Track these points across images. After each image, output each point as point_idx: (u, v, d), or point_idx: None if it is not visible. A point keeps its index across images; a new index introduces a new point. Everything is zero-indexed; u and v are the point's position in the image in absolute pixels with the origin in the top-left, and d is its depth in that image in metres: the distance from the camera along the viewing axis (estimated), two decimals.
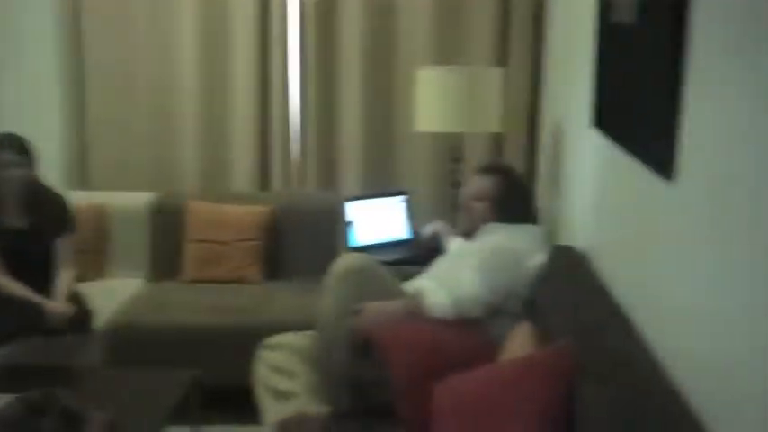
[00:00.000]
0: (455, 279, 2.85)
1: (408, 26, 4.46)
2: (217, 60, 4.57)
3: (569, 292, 2.54)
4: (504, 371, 2.16)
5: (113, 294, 3.98)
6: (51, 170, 4.24)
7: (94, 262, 4.24)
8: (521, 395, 1.98)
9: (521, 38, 4.32)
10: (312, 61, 4.50)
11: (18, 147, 3.59)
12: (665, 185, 1.92)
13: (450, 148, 4.08)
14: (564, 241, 3.22)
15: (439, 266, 3.14)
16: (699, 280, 1.70)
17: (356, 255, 3.07)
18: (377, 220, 4.03)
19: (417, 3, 4.41)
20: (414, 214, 4.17)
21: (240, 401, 3.47)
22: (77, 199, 4.03)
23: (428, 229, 3.64)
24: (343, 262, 2.95)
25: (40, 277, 3.62)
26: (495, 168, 3.27)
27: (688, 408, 1.66)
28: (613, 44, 2.50)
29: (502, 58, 4.38)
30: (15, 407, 2.51)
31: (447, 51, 4.43)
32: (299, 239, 4.23)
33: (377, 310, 2.79)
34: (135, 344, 3.63)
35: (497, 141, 4.46)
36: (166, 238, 4.27)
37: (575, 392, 1.97)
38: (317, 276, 3.99)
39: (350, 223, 3.90)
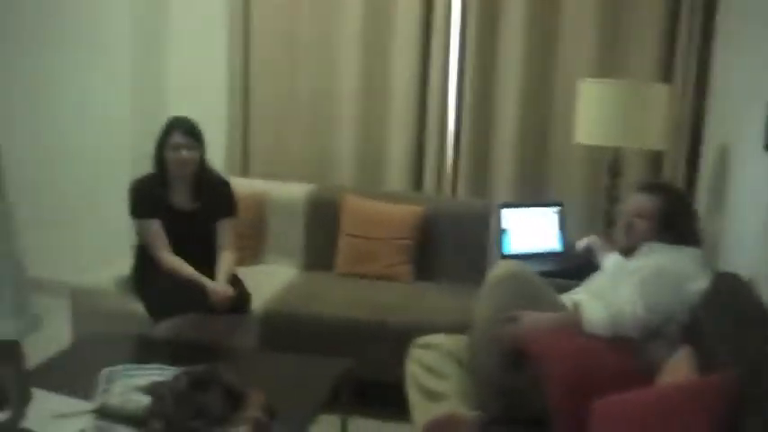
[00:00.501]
0: (614, 296, 2.83)
1: (572, 36, 4.44)
2: (377, 59, 4.67)
3: (733, 319, 2.49)
4: (667, 395, 2.14)
5: (268, 281, 4.13)
6: (216, 156, 4.43)
7: (252, 248, 4.41)
8: (684, 422, 1.97)
9: (687, 54, 4.23)
10: (471, 65, 4.54)
11: (188, 130, 3.77)
12: None
13: (608, 163, 4.04)
14: (725, 266, 3.15)
15: (596, 282, 3.13)
16: None
17: (514, 262, 3.08)
18: (530, 230, 4.04)
19: (582, 18, 4.38)
20: (567, 226, 4.15)
21: (384, 398, 3.56)
22: (239, 186, 4.18)
23: (583, 243, 3.62)
24: (501, 268, 2.97)
25: (204, 258, 3.78)
26: (660, 187, 3.22)
27: None
28: None
29: (666, 74, 4.30)
30: (183, 380, 2.64)
31: (610, 64, 4.39)
32: (449, 242, 4.28)
33: (533, 319, 2.80)
34: (288, 330, 3.76)
35: (656, 158, 4.39)
36: (322, 229, 4.41)
37: (739, 424, 1.95)
38: (466, 280, 4.09)
39: (505, 230, 3.92)
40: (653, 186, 3.19)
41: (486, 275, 3.04)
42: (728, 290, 2.72)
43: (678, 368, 2.38)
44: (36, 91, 4.94)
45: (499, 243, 3.92)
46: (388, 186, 4.71)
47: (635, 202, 3.13)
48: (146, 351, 3.32)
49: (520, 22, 4.44)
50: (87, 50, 4.84)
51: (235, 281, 3.78)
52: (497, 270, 2.96)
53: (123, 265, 3.99)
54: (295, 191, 4.51)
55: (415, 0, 4.54)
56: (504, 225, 3.93)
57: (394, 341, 3.49)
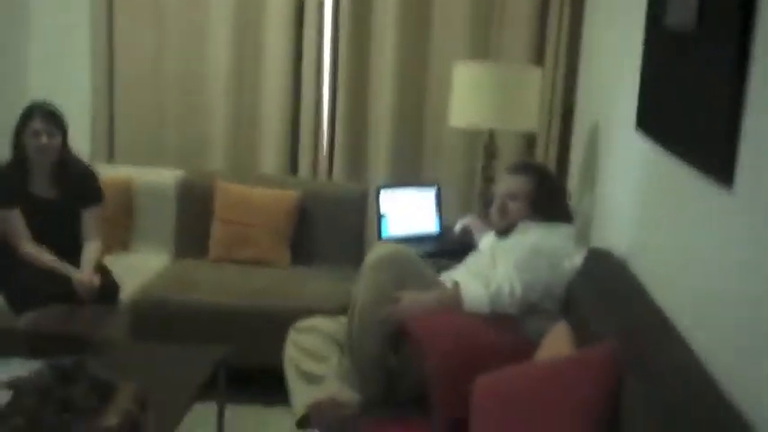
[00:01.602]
0: (492, 275, 2.84)
1: (445, 19, 4.45)
2: (249, 40, 4.57)
3: (608, 293, 2.53)
4: (548, 369, 2.15)
5: (138, 269, 3.98)
6: (79, 142, 4.23)
7: (121, 236, 4.24)
8: (566, 394, 1.97)
9: (559, 35, 4.30)
10: (346, 47, 4.49)
11: (49, 116, 3.59)
12: (721, 192, 1.90)
13: (483, 145, 4.07)
14: (597, 242, 3.21)
15: (474, 262, 3.13)
16: (753, 290, 1.69)
17: (393, 244, 3.06)
18: (407, 213, 4.02)
19: (456, 1, 4.40)
20: (444, 209, 4.16)
21: (262, 383, 3.49)
22: (105, 172, 4.01)
23: (459, 224, 3.63)
24: (380, 250, 2.94)
25: (69, 248, 3.62)
26: (530, 167, 3.25)
27: (731, 406, 1.67)
28: (665, 46, 2.48)
29: (539, 57, 4.37)
30: (46, 373, 2.50)
31: (483, 47, 4.42)
32: (326, 226, 4.23)
33: (413, 299, 2.78)
34: (160, 319, 3.64)
35: (529, 139, 4.45)
36: (193, 216, 4.28)
37: (620, 392, 1.97)
38: (344, 264, 4.05)
39: (383, 215, 3.89)
40: (522, 167, 3.23)
41: (365, 258, 3.00)
42: (601, 265, 2.77)
43: (556, 342, 2.40)
44: None
45: (378, 226, 3.89)
46: (262, 171, 4.61)
47: (506, 183, 3.16)
48: (7, 344, 3.13)
49: (393, 4, 4.42)
50: None
51: (102, 270, 3.64)
52: (376, 251, 2.93)
53: None
54: (164, 177, 4.36)
55: None
56: (382, 209, 3.90)
57: (271, 326, 3.41)
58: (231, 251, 4.14)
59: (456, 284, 2.84)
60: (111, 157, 4.69)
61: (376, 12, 4.48)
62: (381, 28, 4.48)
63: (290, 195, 4.20)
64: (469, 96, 3.84)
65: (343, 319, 2.98)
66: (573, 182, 4.09)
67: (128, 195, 4.29)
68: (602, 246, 3.04)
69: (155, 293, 3.73)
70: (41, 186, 3.64)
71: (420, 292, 2.83)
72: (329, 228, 4.24)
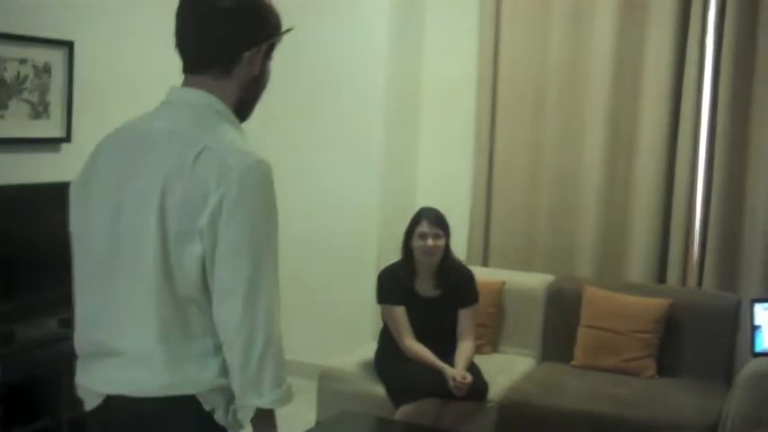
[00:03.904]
0: None
1: None
2: (623, 146, 4.65)
3: None
4: None
5: (506, 370, 4.14)
6: (458, 245, 4.53)
7: (490, 337, 4.44)
8: None
9: None
10: (721, 150, 4.39)
11: (436, 220, 3.90)
12: None
13: None
14: None
15: None
16: None
17: None
18: None
19: None
20: None
21: None
22: (480, 274, 4.24)
23: None
24: (755, 366, 2.82)
25: (445, 345, 3.85)
26: None
27: None
28: None
29: None
30: None
31: None
32: (695, 338, 4.11)
33: None
34: (525, 421, 3.74)
35: None
36: (560, 320, 4.37)
37: None
38: (712, 378, 3.91)
39: (758, 327, 3.71)
40: None
41: (739, 373, 2.88)
42: None
43: None
44: (296, 184, 5.23)
45: (751, 340, 3.70)
46: (629, 278, 4.61)
47: None
48: None
49: None
50: (343, 151, 5.12)
51: (473, 368, 3.81)
52: (753, 367, 2.81)
53: (368, 349, 4.14)
54: (535, 281, 4.52)
55: (663, 85, 4.50)
56: (756, 321, 3.71)
57: None
58: (596, 358, 4.15)
59: None
60: (485, 259, 4.96)
61: (754, 113, 4.35)
62: (760, 129, 4.33)
63: (658, 303, 4.14)
64: None
65: None
66: None
67: (500, 297, 4.49)
68: None
69: (521, 395, 3.85)
70: (425, 286, 3.94)
71: None
72: (698, 339, 4.11)
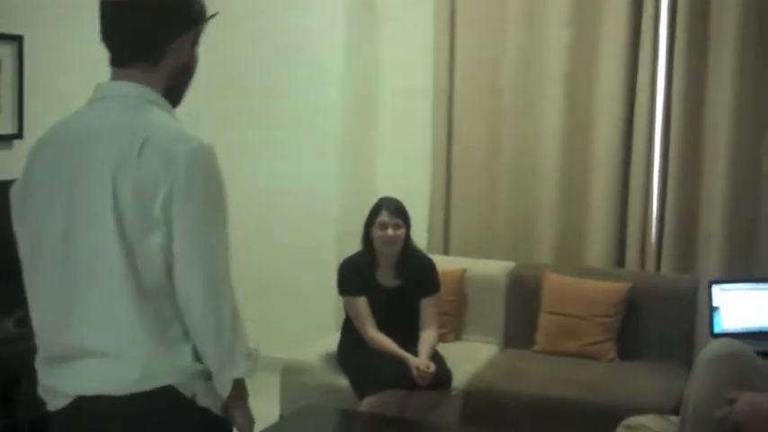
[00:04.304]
0: None
1: None
2: (579, 131, 4.67)
3: None
4: None
5: (469, 357, 4.15)
6: (418, 234, 4.52)
7: (453, 325, 4.45)
8: None
9: None
10: (677, 132, 4.43)
11: (396, 210, 3.89)
12: None
13: None
14: None
15: None
16: None
17: (729, 340, 2.93)
18: (744, 307, 3.84)
19: None
20: None
21: None
22: (440, 263, 4.22)
23: None
24: (716, 345, 2.84)
25: (407, 335, 3.85)
26: None
27: None
28: None
29: None
30: None
31: None
32: (654, 320, 4.16)
33: (753, 401, 2.64)
34: (490, 408, 3.75)
35: None
36: (522, 307, 4.39)
37: None
38: (673, 360, 3.96)
39: (716, 308, 3.76)
40: None
41: (698, 354, 2.90)
42: None
43: None
44: (254, 172, 5.20)
45: (710, 321, 3.75)
46: (589, 263, 4.64)
47: None
48: (352, 426, 3.40)
49: (729, 86, 4.30)
50: (302, 141, 5.09)
51: (436, 357, 3.81)
52: (712, 348, 2.83)
53: (331, 340, 4.12)
54: (495, 268, 4.53)
55: (617, 71, 4.53)
56: (714, 302, 3.76)
57: (596, 421, 3.40)
58: (558, 343, 4.18)
59: None
60: (446, 247, 4.97)
61: (708, 92, 4.39)
62: (714, 110, 4.37)
63: (618, 288, 4.18)
64: None
65: (673, 418, 2.90)
66: None
67: (461, 286, 4.50)
68: None
69: (485, 382, 3.86)
70: (386, 276, 3.93)
71: (759, 393, 2.69)
72: (658, 321, 4.16)
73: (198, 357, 1.80)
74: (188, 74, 1.91)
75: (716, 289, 3.81)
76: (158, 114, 1.80)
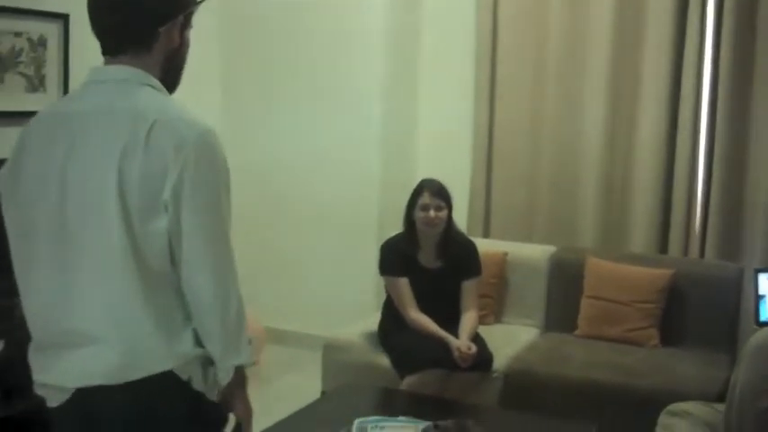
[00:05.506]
0: None
1: None
2: (623, 117, 4.64)
3: None
4: None
5: (509, 340, 4.15)
6: (459, 216, 4.53)
7: (493, 308, 4.46)
8: None
9: None
10: (723, 120, 4.38)
11: (437, 191, 3.89)
12: None
13: None
14: None
15: None
16: None
17: None
18: None
19: None
20: None
21: None
22: (481, 246, 4.22)
23: None
24: (763, 334, 2.82)
25: (448, 316, 3.86)
26: None
27: None
28: None
29: None
30: None
31: None
32: (698, 307, 4.13)
33: None
34: (529, 390, 3.76)
35: None
36: (563, 291, 4.38)
37: None
38: (716, 347, 3.93)
39: (762, 297, 3.72)
40: None
41: (745, 342, 2.88)
42: None
43: None
44: (291, 146, 5.25)
45: (755, 310, 3.71)
46: (631, 248, 4.62)
47: None
48: (393, 404, 3.43)
49: None
50: (344, 123, 5.11)
51: (477, 339, 3.82)
52: (759, 335, 2.80)
53: (372, 320, 4.15)
54: (537, 252, 4.53)
55: (663, 59, 4.49)
56: (761, 291, 3.72)
57: (638, 406, 3.40)
58: (599, 328, 4.17)
59: None
60: (486, 230, 4.97)
61: (756, 83, 4.33)
62: (760, 100, 4.32)
63: (661, 274, 4.15)
64: None
65: (717, 406, 2.89)
66: None
67: (502, 268, 4.50)
68: None
69: (526, 365, 3.87)
70: (428, 257, 3.94)
71: None
72: (701, 309, 4.13)
73: (198, 342, 1.80)
74: (180, 57, 1.91)
75: (762, 277, 3.77)
76: (157, 97, 1.80)
